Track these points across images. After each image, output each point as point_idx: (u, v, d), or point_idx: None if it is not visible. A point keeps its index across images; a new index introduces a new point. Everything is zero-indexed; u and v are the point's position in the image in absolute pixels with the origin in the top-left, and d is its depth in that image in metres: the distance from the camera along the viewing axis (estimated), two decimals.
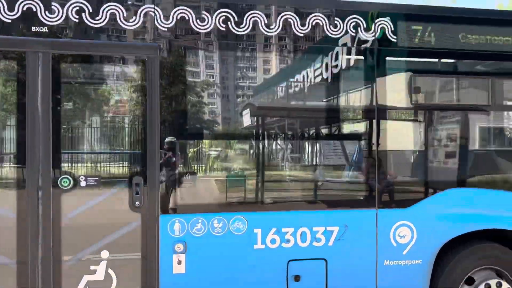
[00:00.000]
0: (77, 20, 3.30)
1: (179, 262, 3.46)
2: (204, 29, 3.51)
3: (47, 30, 3.26)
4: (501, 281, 3.95)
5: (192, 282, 3.49)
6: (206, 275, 3.52)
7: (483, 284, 3.90)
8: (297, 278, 3.70)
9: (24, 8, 3.21)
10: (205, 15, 3.50)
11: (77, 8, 3.29)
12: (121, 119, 3.75)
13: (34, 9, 3.22)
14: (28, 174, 3.23)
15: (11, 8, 3.19)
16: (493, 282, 3.92)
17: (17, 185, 3.30)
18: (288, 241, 3.65)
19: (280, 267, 3.66)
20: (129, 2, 3.43)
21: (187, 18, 3.49)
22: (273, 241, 3.64)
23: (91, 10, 3.31)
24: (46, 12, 3.24)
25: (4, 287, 3.24)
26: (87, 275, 3.33)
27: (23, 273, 3.23)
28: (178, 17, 3.47)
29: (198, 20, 3.49)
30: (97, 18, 3.32)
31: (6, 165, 3.40)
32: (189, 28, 3.51)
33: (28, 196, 3.23)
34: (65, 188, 3.30)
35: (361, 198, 3.97)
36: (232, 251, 3.58)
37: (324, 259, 3.74)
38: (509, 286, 3.95)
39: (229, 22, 3.54)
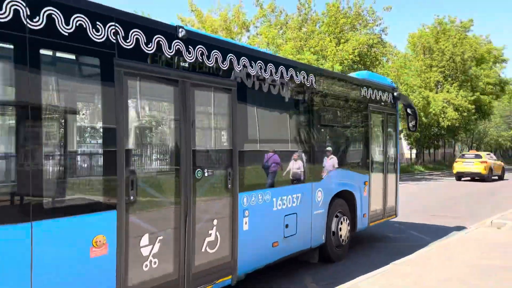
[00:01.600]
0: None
1: (246, 223, 5.56)
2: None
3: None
4: (344, 217, 7.90)
5: (252, 234, 5.63)
6: (256, 229, 5.74)
7: (340, 218, 7.80)
8: (286, 226, 6.38)
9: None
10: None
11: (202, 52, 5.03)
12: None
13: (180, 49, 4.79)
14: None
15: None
16: (343, 218, 7.87)
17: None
18: (284, 204, 6.31)
19: (282, 219, 6.29)
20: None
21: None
22: (279, 204, 6.20)
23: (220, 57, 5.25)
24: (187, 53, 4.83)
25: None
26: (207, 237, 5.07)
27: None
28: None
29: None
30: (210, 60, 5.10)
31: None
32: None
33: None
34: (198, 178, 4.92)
35: (311, 180, 7.07)
36: (267, 213, 6.00)
37: (296, 212, 6.59)
38: (348, 220, 7.99)
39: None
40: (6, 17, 3.23)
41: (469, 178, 26.77)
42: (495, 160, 28.70)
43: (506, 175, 29.82)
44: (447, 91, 36.28)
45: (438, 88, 37.78)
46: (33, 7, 3.39)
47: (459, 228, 10.65)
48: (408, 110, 10.30)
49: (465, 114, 35.78)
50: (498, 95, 43.75)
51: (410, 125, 10.25)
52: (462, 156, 28.10)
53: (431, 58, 37.90)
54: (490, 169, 26.32)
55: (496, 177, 27.59)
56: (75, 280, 3.62)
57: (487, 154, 28.63)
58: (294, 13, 27.49)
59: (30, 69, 3.33)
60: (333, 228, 7.54)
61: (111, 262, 3.88)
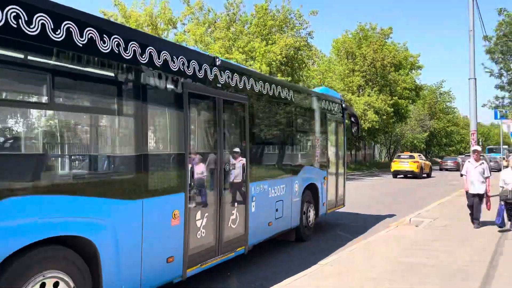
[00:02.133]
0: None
1: (253, 206, 7.08)
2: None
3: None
4: (311, 205, 9.55)
5: (257, 215, 7.17)
6: (261, 211, 7.36)
7: (309, 205, 9.45)
8: (276, 210, 7.97)
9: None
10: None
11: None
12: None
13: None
14: None
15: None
16: (311, 205, 9.55)
17: None
18: (275, 192, 7.91)
19: (274, 204, 7.90)
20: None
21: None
22: (272, 192, 7.81)
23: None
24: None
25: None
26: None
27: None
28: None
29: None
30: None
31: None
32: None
33: None
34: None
35: (291, 175, 8.65)
36: (265, 199, 7.59)
37: (282, 200, 8.17)
38: (313, 207, 9.62)
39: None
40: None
41: (402, 176, 30.66)
42: (424, 160, 32.79)
43: (433, 173, 34.09)
44: (368, 95, 37.96)
45: (359, 92, 39.40)
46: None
47: (391, 216, 11.00)
48: (352, 118, 12.35)
49: (384, 117, 37.64)
50: (414, 99, 46.67)
51: (353, 130, 12.51)
52: (398, 157, 31.94)
53: (353, 63, 39.46)
54: (421, 168, 30.41)
55: (425, 175, 31.48)
56: (163, 240, 5.09)
57: (419, 155, 32.45)
58: (222, 12, 27.27)
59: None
60: (304, 213, 9.21)
61: (181, 230, 5.36)
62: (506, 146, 68.39)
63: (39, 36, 3.70)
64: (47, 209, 3.72)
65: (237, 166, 6.77)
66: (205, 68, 5.97)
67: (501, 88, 22.22)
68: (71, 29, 3.99)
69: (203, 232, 5.84)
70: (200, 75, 5.85)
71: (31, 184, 3.66)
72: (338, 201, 11.25)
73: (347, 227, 11.01)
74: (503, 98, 22.72)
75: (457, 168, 37.20)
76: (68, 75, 4.06)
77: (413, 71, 46.78)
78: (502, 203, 9.34)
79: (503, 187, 9.45)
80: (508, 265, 6.93)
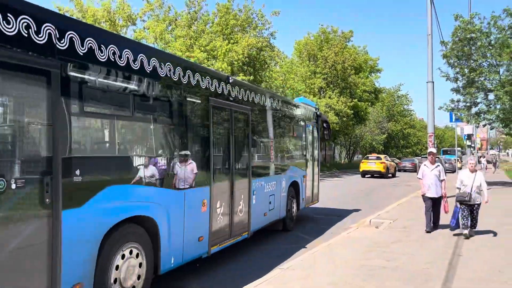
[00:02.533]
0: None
1: (254, 199, 8.34)
2: None
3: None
4: (294, 199, 10.91)
5: (256, 206, 8.44)
6: (259, 203, 8.63)
7: (292, 200, 10.77)
8: (270, 202, 9.23)
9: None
10: None
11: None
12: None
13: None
14: None
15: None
16: (294, 200, 10.92)
17: None
18: (269, 188, 9.20)
19: (268, 198, 9.17)
20: None
21: None
22: (267, 188, 9.12)
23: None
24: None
25: None
26: None
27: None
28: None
29: None
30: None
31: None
32: None
33: None
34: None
35: (280, 173, 10.03)
36: (262, 193, 8.86)
37: (274, 194, 9.47)
38: (295, 201, 11.04)
39: None
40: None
41: (370, 176, 32.60)
42: (390, 161, 35.25)
43: (397, 173, 36.53)
44: (329, 97, 38.39)
45: (321, 93, 39.79)
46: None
47: (356, 213, 10.97)
48: (324, 124, 13.75)
49: (344, 118, 38.18)
50: (373, 102, 47.62)
51: (325, 134, 13.83)
52: (367, 158, 34.24)
53: (315, 65, 39.81)
54: (387, 168, 32.68)
55: (390, 175, 33.62)
56: (196, 223, 6.37)
57: (385, 157, 34.87)
58: (183, 10, 26.79)
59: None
60: (289, 206, 10.47)
61: (208, 216, 6.66)
62: (459, 148, 71.31)
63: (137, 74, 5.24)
64: (130, 196, 5.04)
65: (244, 166, 8.20)
66: (222, 85, 7.32)
67: (457, 91, 22.88)
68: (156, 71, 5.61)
69: (221, 218, 7.17)
70: (219, 91, 7.22)
71: (121, 176, 4.96)
72: (313, 197, 12.73)
73: (306, 228, 10.90)
74: (458, 101, 23.39)
75: (415, 169, 38.53)
76: (144, 98, 5.45)
77: (372, 74, 47.76)
78: (458, 204, 9.18)
79: (459, 188, 9.29)
80: (467, 266, 6.96)
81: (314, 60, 40.45)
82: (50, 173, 3.94)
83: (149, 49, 6.06)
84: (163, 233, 5.54)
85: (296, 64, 40.59)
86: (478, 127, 36.86)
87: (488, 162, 47.89)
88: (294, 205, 10.88)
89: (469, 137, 40.70)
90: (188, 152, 6.22)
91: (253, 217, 8.29)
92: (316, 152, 12.95)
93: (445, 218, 10.02)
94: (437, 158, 11.76)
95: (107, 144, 5.05)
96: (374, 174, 32.32)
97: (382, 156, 34.82)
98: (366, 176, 32.74)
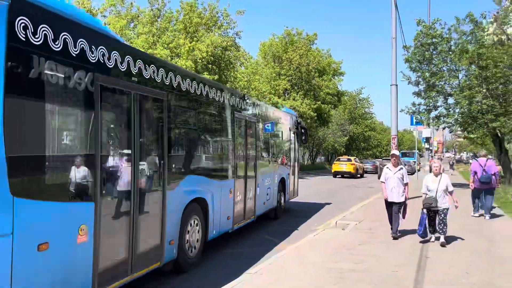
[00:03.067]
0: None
1: (258, 190, 10.58)
2: None
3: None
4: (282, 193, 13.20)
5: (259, 196, 10.57)
6: (261, 194, 10.83)
7: (280, 193, 12.99)
8: (267, 194, 11.40)
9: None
10: None
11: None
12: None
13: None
14: None
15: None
16: (282, 193, 13.14)
17: None
18: (267, 182, 11.37)
19: (266, 190, 11.29)
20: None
21: None
22: (266, 182, 11.28)
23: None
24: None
25: None
26: None
27: None
28: None
29: None
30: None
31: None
32: None
33: None
34: None
35: (274, 170, 12.32)
36: (263, 186, 11.03)
37: (270, 187, 11.64)
38: (283, 194, 13.38)
39: None
40: None
41: (340, 176, 35.12)
42: (359, 162, 38.60)
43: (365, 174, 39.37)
44: (294, 99, 38.46)
45: (285, 95, 39.82)
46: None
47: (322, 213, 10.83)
48: (302, 130, 15.35)
49: (308, 121, 38.31)
50: (336, 104, 48.12)
51: (303, 138, 15.45)
52: (338, 160, 37.10)
53: (280, 67, 39.81)
54: (357, 169, 35.70)
55: (359, 175, 36.62)
56: (226, 206, 8.51)
57: (354, 159, 38.09)
58: (146, 7, 26.11)
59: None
60: (278, 198, 12.56)
61: (232, 201, 8.80)
62: (417, 151, 73.32)
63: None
64: (197, 183, 7.32)
65: (252, 164, 10.28)
66: (241, 102, 9.80)
67: (418, 95, 23.32)
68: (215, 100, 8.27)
69: (239, 204, 9.25)
70: (239, 107, 9.64)
71: (193, 169, 7.36)
72: (294, 192, 14.87)
73: (274, 230, 10.68)
74: (419, 105, 23.85)
75: (376, 170, 39.53)
76: (205, 114, 7.95)
77: (335, 77, 48.27)
78: (425, 211, 8.73)
79: (426, 194, 8.90)
80: (435, 269, 6.91)
81: (279, 61, 40.45)
82: (163, 167, 6.06)
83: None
84: (210, 211, 7.74)
85: (261, 65, 40.47)
86: (438, 130, 37.92)
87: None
88: (282, 197, 13.10)
89: (427, 140, 41.79)
90: (224, 156, 8.76)
91: (257, 205, 10.50)
92: (297, 154, 15.20)
93: (411, 223, 9.84)
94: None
95: (184, 148, 7.33)
96: (345, 175, 34.84)
97: (352, 158, 37.80)
98: (337, 176, 34.98)
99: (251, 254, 8.24)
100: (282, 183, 13.02)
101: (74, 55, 4.35)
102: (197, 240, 7.33)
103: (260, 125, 10.93)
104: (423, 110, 23.76)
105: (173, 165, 6.51)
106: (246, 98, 9.86)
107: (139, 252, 5.34)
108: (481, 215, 12.39)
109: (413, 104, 24.18)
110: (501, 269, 6.95)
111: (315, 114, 39.58)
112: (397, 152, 10.02)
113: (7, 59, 3.57)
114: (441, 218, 8.72)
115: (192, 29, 25.26)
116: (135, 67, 5.41)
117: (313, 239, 9.15)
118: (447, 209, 8.73)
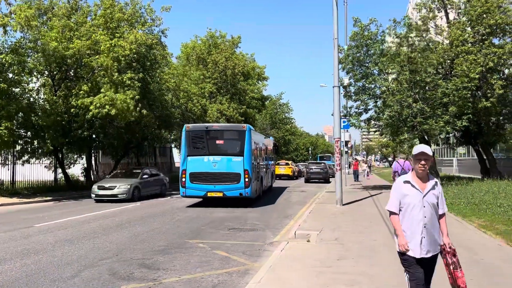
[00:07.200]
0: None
1: (269, 174, 26.96)
2: None
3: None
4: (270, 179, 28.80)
5: (270, 177, 26.44)
6: (268, 177, 25.13)
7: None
8: (269, 177, 26.09)
9: None
10: None
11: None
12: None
13: None
14: None
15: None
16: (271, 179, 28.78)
17: None
18: (269, 172, 25.83)
19: (270, 176, 26.49)
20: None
21: None
22: (269, 171, 26.53)
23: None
24: None
25: None
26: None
27: None
28: None
29: None
30: None
31: None
32: None
33: None
34: None
35: (270, 168, 28.15)
36: (270, 173, 27.13)
37: (270, 175, 27.36)
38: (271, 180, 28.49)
39: None
40: None
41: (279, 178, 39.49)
42: (295, 166, 45.67)
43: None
44: (220, 102, 37.27)
45: (211, 98, 38.47)
46: None
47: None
48: (276, 147, 30.32)
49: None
50: (260, 109, 47.74)
51: (277, 150, 30.79)
52: (278, 164, 40.86)
53: (205, 69, 38.39)
54: (294, 172, 42.92)
55: (295, 177, 42.91)
56: (270, 176, 26.58)
57: (291, 163, 45.42)
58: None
59: None
60: (270, 182, 25.60)
61: (270, 176, 26.36)
62: (329, 154, 75.99)
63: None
64: (266, 163, 24.10)
65: (269, 163, 25.28)
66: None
67: (349, 97, 23.34)
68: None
69: (268, 180, 24.13)
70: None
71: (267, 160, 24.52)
72: (272, 181, 26.85)
73: (231, 247, 9.37)
74: (351, 108, 23.90)
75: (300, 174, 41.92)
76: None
77: (260, 81, 47.86)
78: None
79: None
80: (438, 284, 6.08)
81: (203, 64, 39.03)
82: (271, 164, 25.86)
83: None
84: (264, 177, 21.62)
85: (185, 67, 38.78)
86: (369, 132, 38.94)
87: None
88: (271, 182, 25.63)
89: (346, 143, 42.98)
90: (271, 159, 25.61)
91: (269, 181, 24.82)
92: (274, 160, 29.56)
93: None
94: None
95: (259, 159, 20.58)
96: (283, 177, 40.92)
97: (289, 162, 44.82)
98: (277, 178, 37.52)
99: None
100: (271, 174, 26.46)
101: None
102: (259, 189, 19.70)
103: (267, 147, 24.49)
104: (354, 113, 23.84)
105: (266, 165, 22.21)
106: (267, 137, 19.33)
107: (264, 185, 21.57)
108: None
109: (344, 107, 24.21)
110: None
111: (242, 118, 38.71)
112: (429, 151, 4.41)
113: None
114: None
115: (113, 25, 23.05)
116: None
117: (284, 256, 7.97)
118: None
